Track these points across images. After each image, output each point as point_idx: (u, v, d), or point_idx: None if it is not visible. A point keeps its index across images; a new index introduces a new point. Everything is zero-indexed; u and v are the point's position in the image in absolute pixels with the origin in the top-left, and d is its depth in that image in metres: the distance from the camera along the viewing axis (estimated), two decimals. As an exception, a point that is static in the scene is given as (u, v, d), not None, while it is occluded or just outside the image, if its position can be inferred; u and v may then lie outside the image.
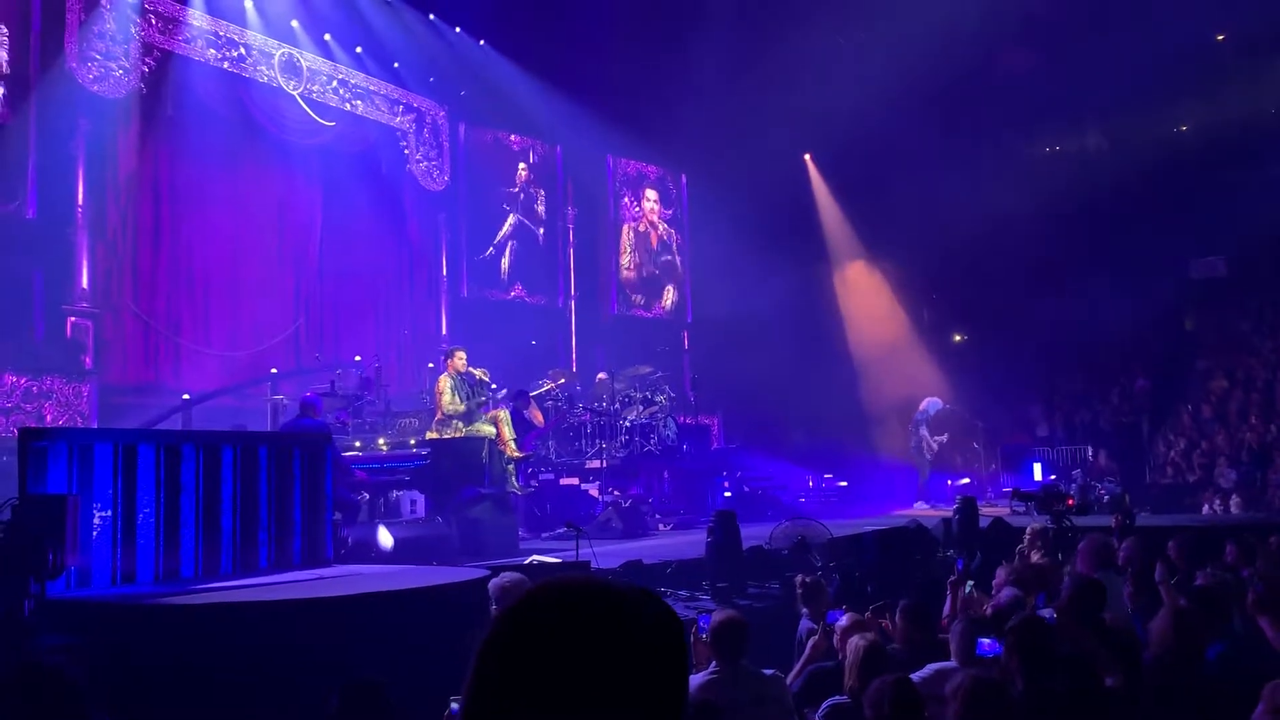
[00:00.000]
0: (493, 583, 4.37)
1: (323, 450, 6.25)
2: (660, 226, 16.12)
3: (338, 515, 6.78)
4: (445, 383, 8.50)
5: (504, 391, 9.58)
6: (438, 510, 7.97)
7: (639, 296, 15.85)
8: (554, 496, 10.10)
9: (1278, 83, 14.37)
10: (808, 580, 5.09)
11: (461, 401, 8.44)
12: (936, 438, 12.50)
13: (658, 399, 11.91)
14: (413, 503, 8.63)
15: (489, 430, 8.50)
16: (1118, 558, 5.26)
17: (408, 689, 3.34)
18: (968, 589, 5.07)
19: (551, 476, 10.53)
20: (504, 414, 8.75)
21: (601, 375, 12.23)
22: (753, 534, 7.69)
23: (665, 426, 11.68)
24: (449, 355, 8.80)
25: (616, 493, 10.75)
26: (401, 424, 9.27)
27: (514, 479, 8.67)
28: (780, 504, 12.19)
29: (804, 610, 4.94)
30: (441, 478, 8.13)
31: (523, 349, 13.12)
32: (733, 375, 15.15)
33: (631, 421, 11.50)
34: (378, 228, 12.29)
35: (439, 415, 8.58)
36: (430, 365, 11.63)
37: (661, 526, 10.53)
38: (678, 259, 16.44)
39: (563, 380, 11.81)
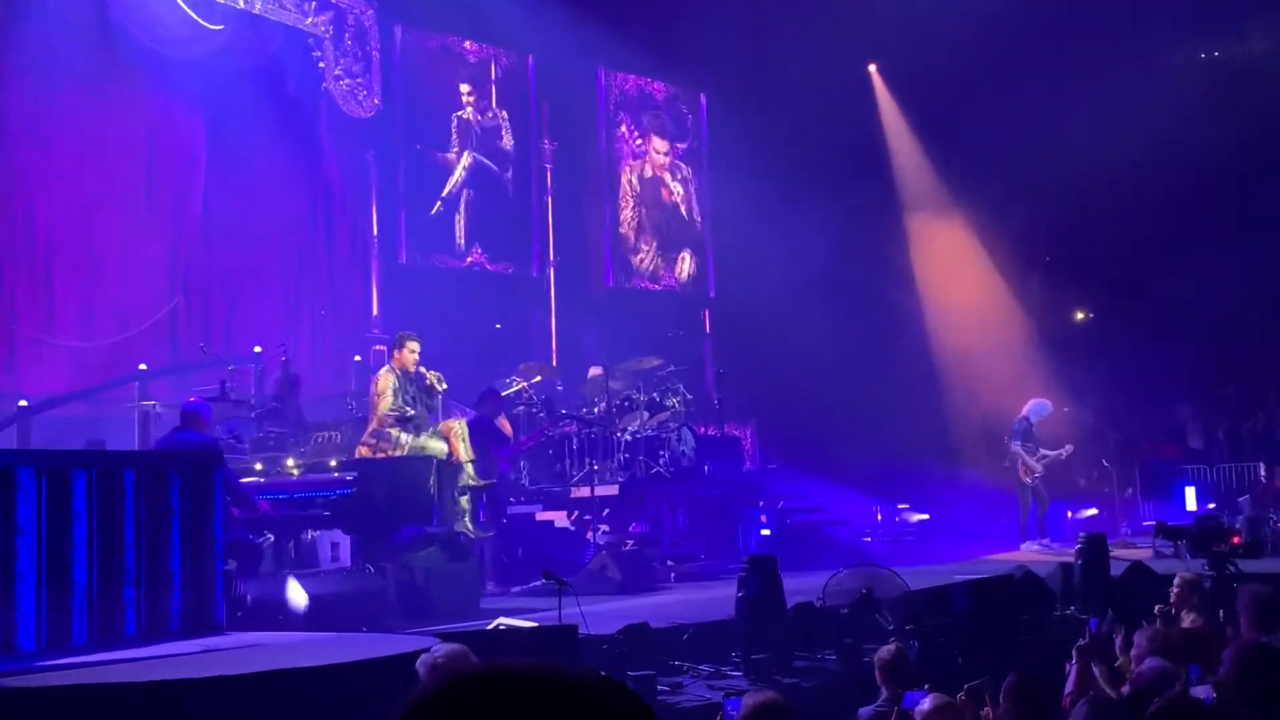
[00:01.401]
0: (422, 658, 4.40)
1: (211, 475, 6.32)
2: (671, 168, 16.22)
3: (232, 564, 6.85)
4: (387, 381, 8.63)
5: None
6: (368, 557, 8.04)
7: (644, 263, 15.84)
8: (528, 537, 10.23)
9: None
10: (888, 652, 5.12)
11: (407, 406, 8.60)
12: (1047, 454, 12.53)
13: (669, 403, 12.04)
14: (334, 546, 8.70)
15: (439, 448, 8.61)
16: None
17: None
18: (1098, 659, 5.13)
19: (525, 510, 10.71)
20: (459, 426, 8.90)
21: (594, 371, 12.36)
22: (800, 586, 7.74)
23: (680, 440, 11.82)
24: (397, 345, 8.93)
25: (613, 531, 10.85)
26: (319, 439, 9.41)
27: (471, 516, 8.83)
28: (837, 545, 12.23)
29: (881, 691, 4.99)
30: (374, 512, 8.18)
31: (483, 336, 13.13)
32: (771, 369, 15.15)
33: (634, 434, 11.67)
34: (283, 169, 12.33)
35: (373, 424, 8.67)
36: (357, 359, 11.63)
37: (674, 576, 10.65)
38: (695, 211, 16.45)
39: (538, 378, 11.93)
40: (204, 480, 6.22)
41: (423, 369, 8.77)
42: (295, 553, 8.29)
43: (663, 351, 12.99)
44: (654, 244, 16.04)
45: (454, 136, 13.96)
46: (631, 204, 15.78)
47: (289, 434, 9.49)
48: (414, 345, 8.78)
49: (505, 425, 10.66)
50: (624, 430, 11.77)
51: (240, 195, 11.95)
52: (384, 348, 11.45)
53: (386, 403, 8.54)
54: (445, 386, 8.86)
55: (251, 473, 8.56)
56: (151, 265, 11.24)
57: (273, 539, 8.10)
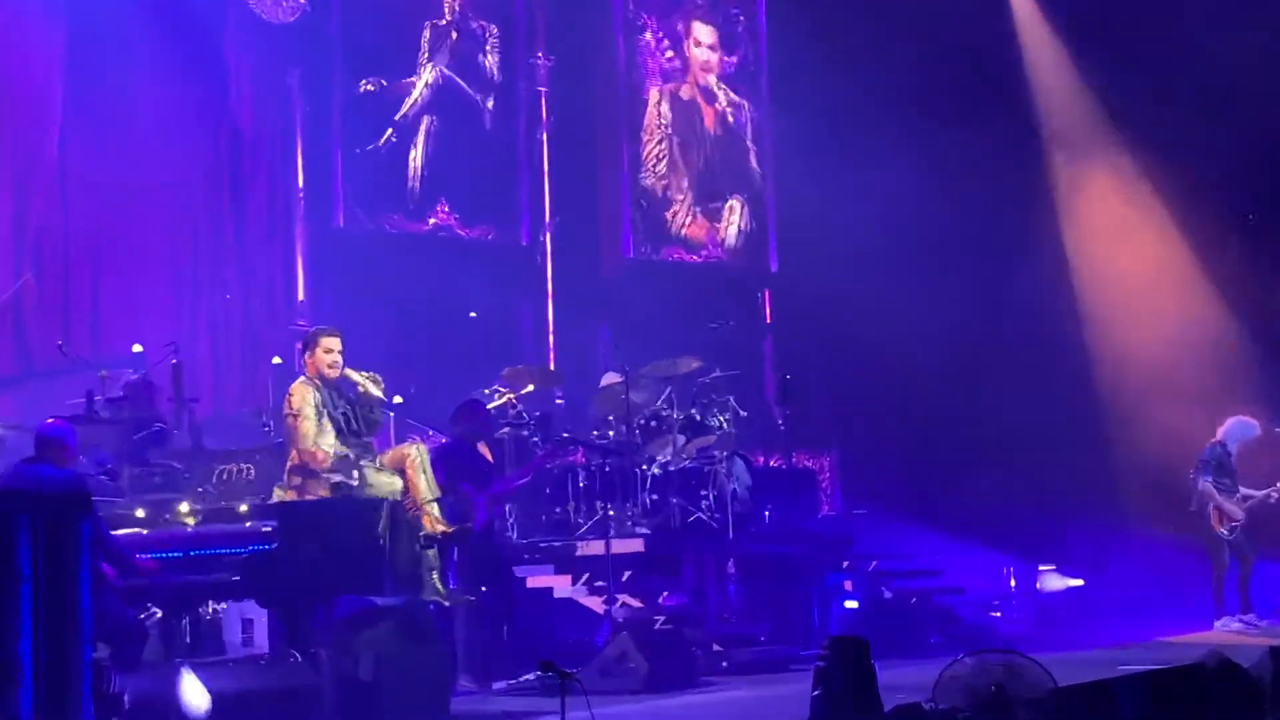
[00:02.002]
0: None
1: (74, 526, 6.33)
2: (717, 89, 16.13)
3: (103, 650, 6.91)
4: (303, 396, 8.79)
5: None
6: (293, 639, 8.08)
7: (677, 223, 15.86)
8: (519, 611, 10.32)
9: None
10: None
11: (330, 432, 8.70)
12: (1251, 494, 12.56)
13: (714, 422, 12.18)
14: (246, 624, 8.73)
15: (388, 484, 8.76)
16: None
17: None
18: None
19: (514, 572, 10.80)
20: (416, 452, 9.04)
21: (609, 379, 12.53)
22: (901, 680, 7.82)
23: (730, 475, 11.85)
24: (308, 347, 9.04)
25: (637, 603, 10.85)
26: (224, 474, 9.51)
27: (439, 577, 8.93)
28: (953, 622, 12.24)
29: None
30: (301, 576, 8.19)
31: (452, 329, 13.20)
32: (857, 375, 15.22)
33: (665, 466, 11.80)
34: (172, 100, 12.37)
35: (292, 458, 8.81)
36: (277, 361, 11.63)
37: (724, 667, 10.64)
38: (751, 155, 16.38)
39: (529, 388, 12.07)
40: (64, 533, 6.21)
41: (349, 371, 8.89)
42: (192, 633, 8.31)
43: (705, 350, 12.90)
44: (689, 196, 16.02)
45: (424, 52, 14.21)
46: (659, 141, 15.76)
47: (182, 468, 9.54)
48: (330, 344, 8.91)
49: (485, 453, 10.71)
50: (651, 461, 11.75)
51: (112, 137, 11.87)
52: None
53: (307, 429, 8.63)
54: (382, 388, 8.98)
55: (131, 522, 8.57)
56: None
57: (160, 614, 8.13)
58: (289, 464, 8.79)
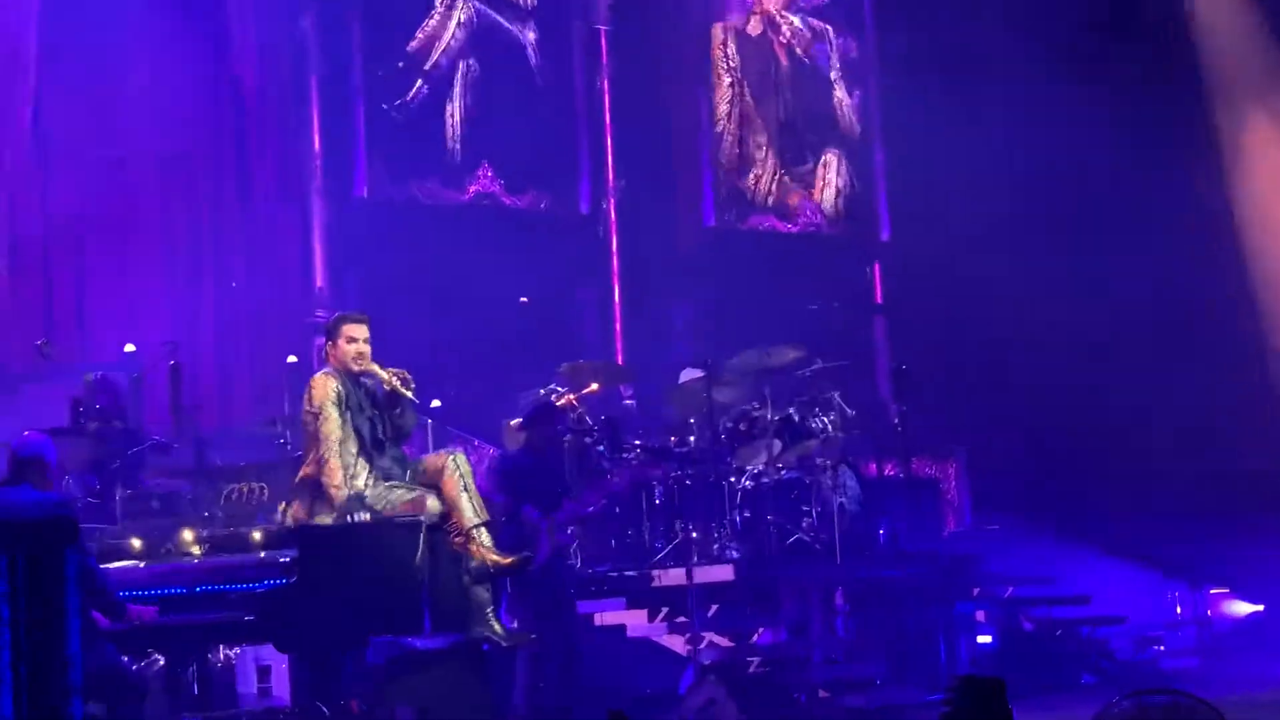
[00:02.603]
0: None
1: (60, 561, 6.32)
2: (791, 21, 16.29)
3: (96, 709, 7.02)
4: (325, 389, 8.79)
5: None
6: (318, 690, 8.07)
7: (763, 188, 15.96)
8: (588, 652, 10.31)
9: None
10: None
11: (352, 440, 8.68)
12: None
13: (817, 424, 12.14)
14: (263, 673, 8.82)
15: (426, 506, 8.71)
16: None
17: None
18: None
19: (578, 607, 10.81)
20: (455, 464, 8.92)
21: (689, 374, 12.46)
22: None
23: (836, 486, 11.88)
24: (330, 334, 9.03)
25: (726, 640, 10.92)
26: (233, 495, 9.55)
27: (494, 614, 8.91)
28: (1108, 658, 12.25)
29: None
30: (326, 615, 8.15)
31: (499, 316, 13.24)
32: (987, 367, 15.25)
33: (757, 477, 11.81)
34: (166, 54, 12.46)
35: (307, 466, 8.81)
36: (293, 359, 11.75)
37: (832, 714, 10.72)
38: (845, 104, 16.54)
39: (594, 388, 12.09)
40: (47, 568, 6.20)
41: (375, 367, 8.83)
42: (200, 684, 8.31)
43: (804, 337, 12.87)
44: (769, 153, 16.10)
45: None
46: (728, 86, 15.91)
47: (184, 489, 9.57)
48: (354, 330, 8.85)
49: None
50: (741, 472, 11.76)
51: (95, 103, 11.95)
52: None
53: (331, 428, 8.58)
54: (412, 389, 8.89)
55: (125, 554, 8.59)
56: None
57: (163, 662, 8.19)
58: (300, 474, 8.78)
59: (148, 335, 11.01)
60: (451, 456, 8.91)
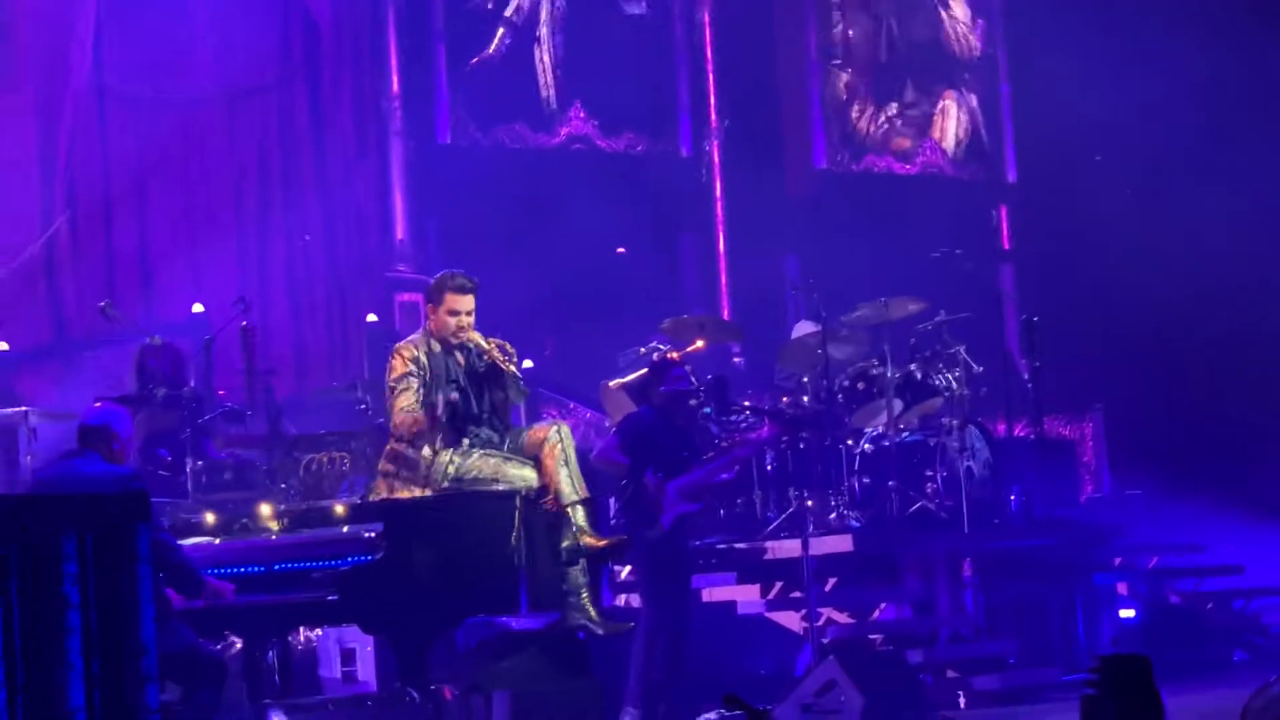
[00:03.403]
0: None
1: (131, 538, 6.25)
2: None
3: (172, 694, 7.11)
4: (403, 362, 8.84)
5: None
6: (407, 674, 8.12)
7: (877, 127, 15.98)
8: (696, 630, 10.27)
9: None
10: None
11: (434, 406, 8.66)
12: None
13: (942, 381, 12.19)
14: (347, 655, 8.93)
15: (519, 475, 8.80)
16: None
17: None
18: None
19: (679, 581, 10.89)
20: (557, 436, 8.95)
21: (803, 329, 12.50)
22: (1195, 708, 8.00)
23: (964, 449, 11.88)
24: (431, 296, 9.04)
25: (846, 616, 11.07)
26: (313, 466, 9.64)
27: (591, 598, 8.92)
28: (1262, 632, 12.27)
29: None
30: (415, 595, 8.20)
31: (595, 269, 13.37)
32: (1125, 316, 15.29)
33: (876, 440, 11.99)
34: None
35: (393, 442, 8.91)
36: (372, 319, 11.84)
37: (962, 699, 10.74)
38: (966, 38, 16.45)
39: (698, 345, 12.15)
40: (119, 547, 6.17)
41: (476, 337, 8.83)
42: (281, 669, 8.37)
43: (926, 288, 12.87)
44: (882, 88, 16.15)
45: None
46: (839, 18, 15.89)
47: (260, 459, 9.70)
48: (458, 302, 8.83)
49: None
50: (859, 435, 11.87)
51: (156, 43, 12.04)
52: (417, 297, 11.58)
53: (403, 403, 8.61)
54: (515, 362, 8.85)
55: (198, 530, 8.69)
56: (9, 171, 11.49)
57: (240, 645, 8.30)
58: (385, 451, 8.81)
59: (217, 294, 11.15)
60: (555, 428, 8.91)
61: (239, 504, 9.19)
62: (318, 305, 12.68)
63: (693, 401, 11.29)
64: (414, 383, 8.58)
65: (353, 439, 9.54)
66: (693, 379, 11.35)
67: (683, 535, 10.23)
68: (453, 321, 8.73)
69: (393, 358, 8.73)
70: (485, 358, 8.72)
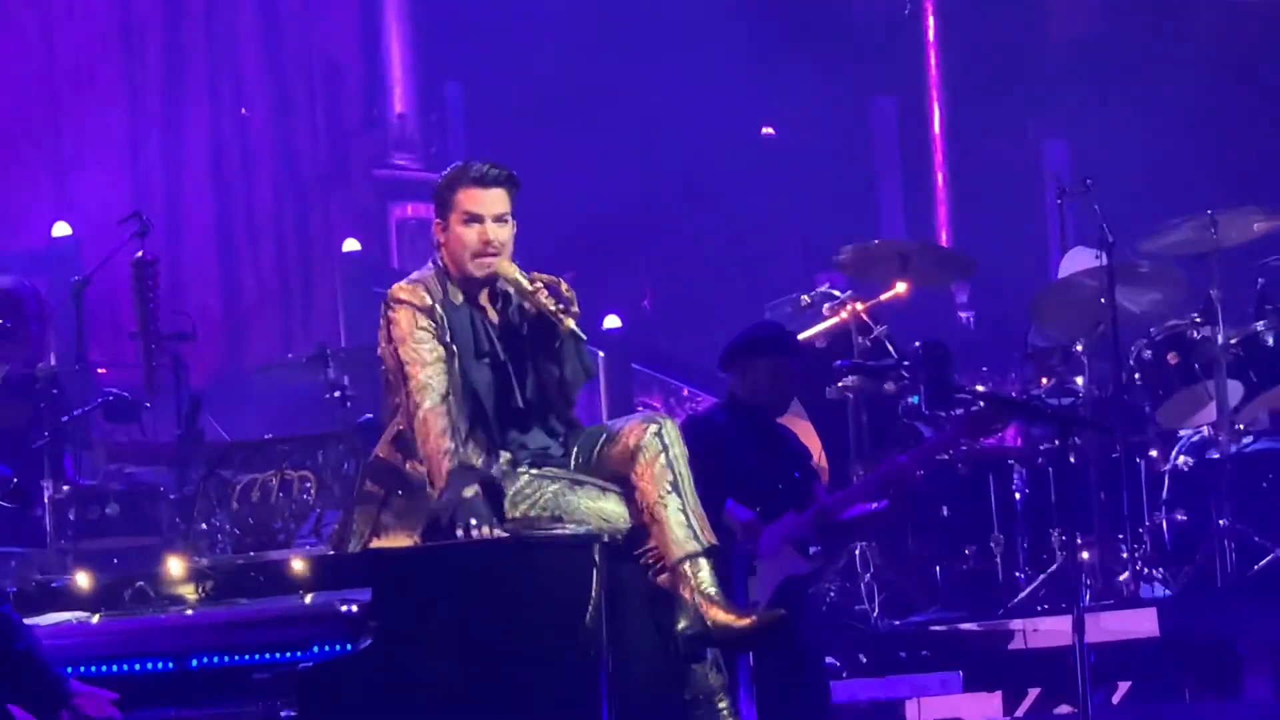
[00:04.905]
0: None
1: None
2: None
3: None
4: (411, 315, 8.37)
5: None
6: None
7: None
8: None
9: None
10: None
11: (462, 398, 8.36)
12: None
13: None
14: None
15: (600, 510, 8.37)
16: None
17: None
18: None
19: (879, 689, 11.22)
20: (656, 440, 8.39)
21: (1077, 259, 12.43)
22: None
23: None
24: (439, 202, 8.49)
25: None
26: (251, 491, 9.01)
27: (728, 709, 8.57)
28: None
29: None
30: (423, 711, 7.79)
31: (721, 165, 13.08)
32: None
33: (1199, 449, 11.87)
34: None
35: (390, 434, 8.46)
36: (352, 246, 12.68)
37: None
38: None
39: (897, 291, 12.34)
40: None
41: (513, 270, 8.24)
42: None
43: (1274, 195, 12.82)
44: None
45: None
46: None
47: (166, 482, 10.53)
48: (479, 201, 8.25)
49: (810, 434, 10.97)
50: (1172, 439, 11.79)
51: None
52: (427, 211, 11.40)
53: (430, 383, 8.02)
54: (575, 313, 8.26)
55: (66, 600, 8.22)
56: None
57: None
58: (374, 455, 8.34)
59: (93, 208, 10.79)
60: (655, 428, 8.21)
61: (131, 556, 9.75)
62: (261, 226, 12.43)
63: (889, 386, 11.62)
64: (440, 349, 8.12)
65: (320, 448, 8.74)
66: (889, 345, 11.84)
67: (795, 610, 9.74)
68: (472, 234, 8.09)
69: (393, 308, 8.14)
70: (529, 306, 8.17)
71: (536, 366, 8.24)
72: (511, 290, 8.20)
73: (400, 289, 8.04)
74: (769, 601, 9.57)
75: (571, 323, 8.04)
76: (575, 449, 8.24)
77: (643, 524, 7.99)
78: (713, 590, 7.96)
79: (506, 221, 8.09)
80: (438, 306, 8.09)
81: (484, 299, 8.20)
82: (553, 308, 8.07)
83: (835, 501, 10.25)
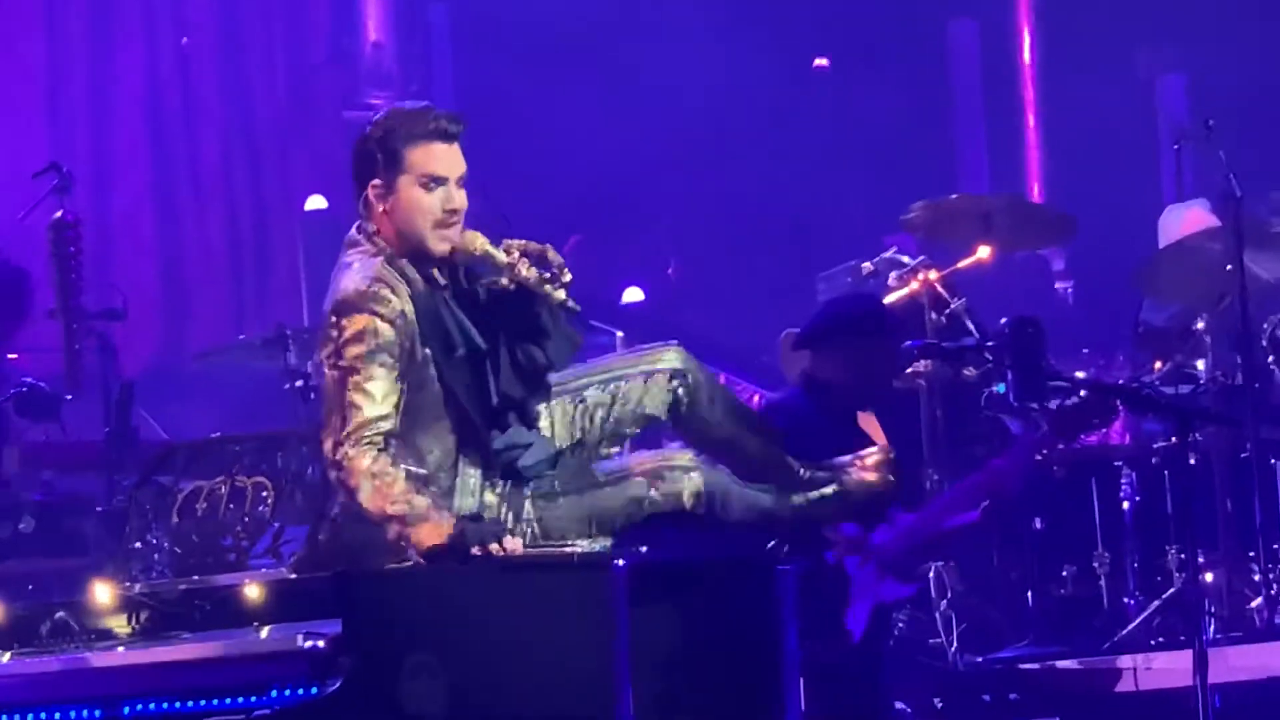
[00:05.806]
0: None
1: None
2: None
3: None
4: (369, 319, 8.64)
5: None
6: None
7: None
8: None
9: None
10: None
11: (436, 414, 8.69)
12: None
13: None
14: None
15: (604, 508, 8.93)
16: None
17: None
18: None
19: None
20: (675, 375, 9.03)
21: (1197, 219, 13.04)
22: None
23: None
24: (380, 161, 8.66)
25: None
26: (195, 502, 9.48)
27: None
28: None
29: None
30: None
31: (760, 110, 13.49)
32: None
33: None
34: None
35: (332, 447, 8.60)
36: (318, 204, 12.47)
37: None
38: None
39: (983, 256, 13.06)
40: None
41: (481, 244, 8.53)
42: None
43: None
44: None
45: None
46: None
47: (94, 489, 11.11)
48: (434, 158, 8.43)
49: (873, 427, 10.95)
50: None
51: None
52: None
53: (375, 389, 8.29)
54: (565, 282, 8.77)
55: None
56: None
57: None
58: (334, 453, 8.51)
59: (2, 157, 11.01)
60: (674, 383, 8.82)
61: (50, 581, 10.24)
62: (207, 181, 12.63)
63: (969, 372, 12.02)
64: (386, 361, 8.46)
65: (279, 449, 9.07)
66: (969, 322, 12.31)
67: (881, 643, 10.58)
68: (435, 204, 8.37)
69: (348, 317, 8.36)
70: (507, 281, 8.53)
71: (513, 352, 8.68)
72: (476, 258, 8.66)
73: (355, 291, 8.29)
74: (862, 635, 10.23)
75: (562, 294, 8.54)
76: (559, 421, 8.90)
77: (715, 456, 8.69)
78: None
79: (464, 184, 8.42)
80: (405, 307, 8.39)
81: (441, 278, 8.56)
82: (533, 278, 8.51)
83: (932, 513, 10.83)
